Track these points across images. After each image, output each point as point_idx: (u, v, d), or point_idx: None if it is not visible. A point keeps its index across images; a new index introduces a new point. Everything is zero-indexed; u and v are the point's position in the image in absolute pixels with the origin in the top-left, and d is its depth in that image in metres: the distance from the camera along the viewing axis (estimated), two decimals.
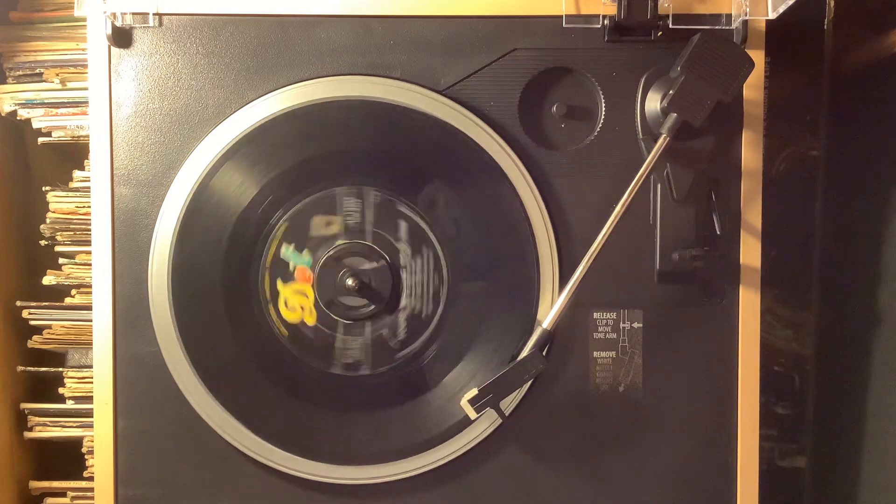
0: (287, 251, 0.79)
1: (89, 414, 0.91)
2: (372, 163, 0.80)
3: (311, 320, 0.80)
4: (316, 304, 0.80)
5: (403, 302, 0.80)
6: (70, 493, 0.94)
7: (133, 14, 0.79)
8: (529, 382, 0.78)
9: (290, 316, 0.80)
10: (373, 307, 0.80)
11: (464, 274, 0.80)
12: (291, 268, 0.80)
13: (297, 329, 0.80)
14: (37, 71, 0.93)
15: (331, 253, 0.80)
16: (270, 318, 0.80)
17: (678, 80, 0.74)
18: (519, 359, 0.76)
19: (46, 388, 0.96)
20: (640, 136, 0.80)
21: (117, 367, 0.79)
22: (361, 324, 0.80)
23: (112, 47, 0.79)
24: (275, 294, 0.80)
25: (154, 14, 0.79)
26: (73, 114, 0.92)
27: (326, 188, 0.80)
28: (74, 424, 0.94)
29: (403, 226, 0.80)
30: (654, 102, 0.79)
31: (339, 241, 0.80)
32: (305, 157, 0.79)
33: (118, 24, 0.79)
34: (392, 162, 0.80)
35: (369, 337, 0.80)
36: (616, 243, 0.77)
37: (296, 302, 0.80)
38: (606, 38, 0.79)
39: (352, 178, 0.80)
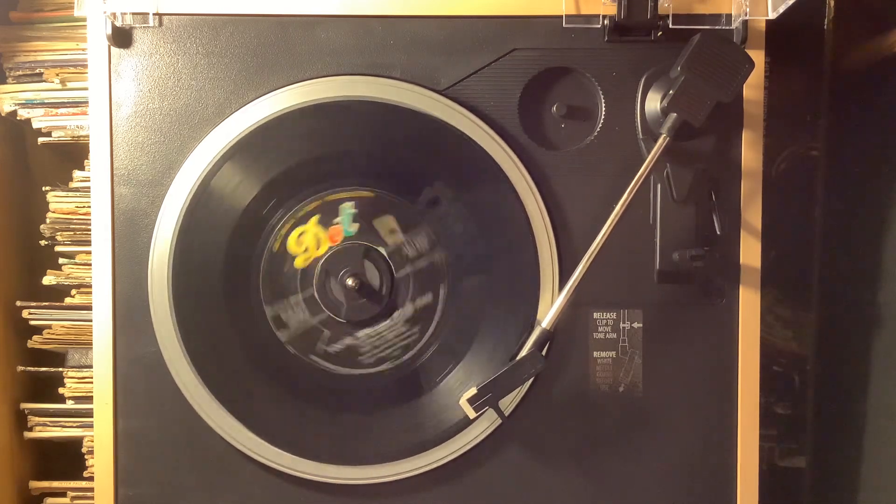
0: (347, 209, 0.79)
1: (89, 414, 0.91)
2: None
3: (300, 264, 0.80)
4: (316, 261, 0.80)
5: (361, 334, 0.80)
6: (70, 493, 0.94)
7: (133, 14, 0.79)
8: (529, 382, 0.78)
9: (292, 246, 0.79)
10: (342, 309, 0.80)
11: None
12: (335, 221, 0.79)
13: (283, 255, 0.80)
14: (37, 71, 0.93)
15: (366, 248, 0.80)
16: (280, 231, 0.79)
17: (678, 80, 0.74)
18: (518, 358, 0.76)
19: (46, 388, 0.96)
20: (640, 136, 0.80)
21: (117, 367, 0.79)
22: (321, 310, 0.80)
23: (112, 47, 0.79)
24: (303, 221, 0.79)
25: (154, 14, 0.79)
26: (73, 114, 0.92)
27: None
28: (74, 424, 0.94)
29: (428, 298, 0.80)
30: (654, 102, 0.78)
31: (383, 249, 0.80)
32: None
33: (118, 24, 0.79)
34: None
35: (312, 323, 0.80)
36: (616, 243, 0.77)
37: (308, 242, 0.79)
38: (606, 38, 0.79)
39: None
